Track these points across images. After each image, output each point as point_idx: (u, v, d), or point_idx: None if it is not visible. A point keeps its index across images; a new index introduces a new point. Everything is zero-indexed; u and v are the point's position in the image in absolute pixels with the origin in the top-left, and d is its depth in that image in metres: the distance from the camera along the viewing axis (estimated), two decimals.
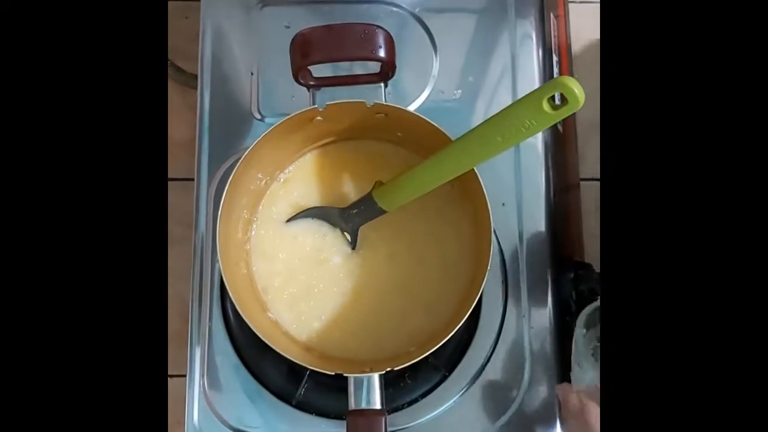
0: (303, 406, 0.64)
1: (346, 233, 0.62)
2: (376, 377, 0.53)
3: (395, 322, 0.61)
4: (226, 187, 0.55)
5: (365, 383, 0.53)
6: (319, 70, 0.57)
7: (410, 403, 0.63)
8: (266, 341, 0.52)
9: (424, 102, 0.69)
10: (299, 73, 0.55)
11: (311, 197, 0.63)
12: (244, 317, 0.53)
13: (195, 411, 0.64)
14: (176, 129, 0.89)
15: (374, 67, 0.57)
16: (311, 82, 0.57)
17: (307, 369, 0.62)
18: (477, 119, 0.69)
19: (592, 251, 0.78)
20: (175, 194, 0.72)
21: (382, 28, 0.54)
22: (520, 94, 0.70)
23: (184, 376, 0.65)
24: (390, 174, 0.58)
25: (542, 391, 0.64)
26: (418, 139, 0.59)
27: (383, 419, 0.51)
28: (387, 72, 0.57)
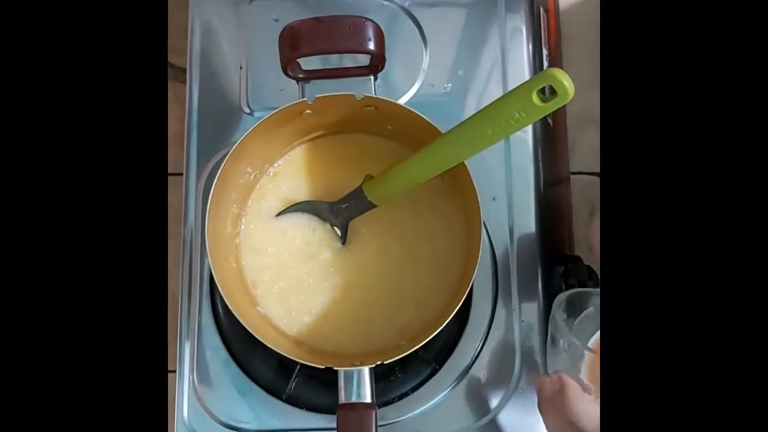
0: (293, 401, 0.63)
1: (336, 228, 0.62)
2: (366, 371, 0.53)
3: (385, 316, 0.61)
4: (215, 181, 0.55)
5: (355, 377, 0.53)
6: (308, 63, 0.57)
7: (400, 397, 0.63)
8: (256, 336, 0.52)
9: (414, 96, 0.69)
10: (288, 66, 0.55)
11: (301, 191, 0.63)
12: (233, 312, 0.52)
13: (185, 406, 0.64)
14: None
15: (363, 59, 0.57)
16: (300, 75, 0.57)
17: (297, 363, 0.62)
18: (467, 113, 0.68)
19: (581, 244, 0.78)
20: None
21: (371, 20, 0.54)
22: (511, 88, 0.70)
23: (174, 371, 0.65)
24: (380, 167, 0.58)
25: (533, 384, 0.64)
26: (409, 132, 0.59)
27: (374, 413, 0.51)
28: (377, 65, 0.56)
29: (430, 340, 0.52)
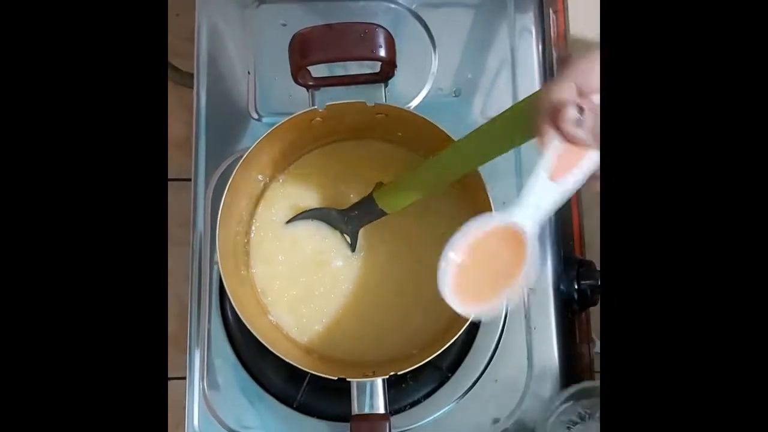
0: (303, 409, 0.63)
1: (346, 235, 0.61)
2: (379, 381, 0.53)
3: (396, 323, 0.61)
4: (226, 189, 0.54)
5: (368, 387, 0.52)
6: (317, 70, 0.56)
7: (412, 405, 0.63)
8: (267, 346, 0.52)
9: (423, 100, 0.69)
10: (298, 74, 0.55)
11: (311, 199, 0.63)
12: (244, 321, 0.52)
13: (195, 413, 0.64)
14: (172, 128, 0.87)
15: (371, 64, 0.56)
16: (310, 83, 0.57)
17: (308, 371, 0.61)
18: (476, 116, 0.68)
19: (593, 248, 0.77)
20: (170, 195, 0.71)
21: (382, 27, 0.53)
22: (520, 90, 0.71)
23: (184, 378, 0.64)
24: (391, 174, 0.58)
25: (545, 390, 0.63)
26: (419, 139, 0.59)
27: (387, 423, 0.51)
28: (387, 71, 0.56)
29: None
